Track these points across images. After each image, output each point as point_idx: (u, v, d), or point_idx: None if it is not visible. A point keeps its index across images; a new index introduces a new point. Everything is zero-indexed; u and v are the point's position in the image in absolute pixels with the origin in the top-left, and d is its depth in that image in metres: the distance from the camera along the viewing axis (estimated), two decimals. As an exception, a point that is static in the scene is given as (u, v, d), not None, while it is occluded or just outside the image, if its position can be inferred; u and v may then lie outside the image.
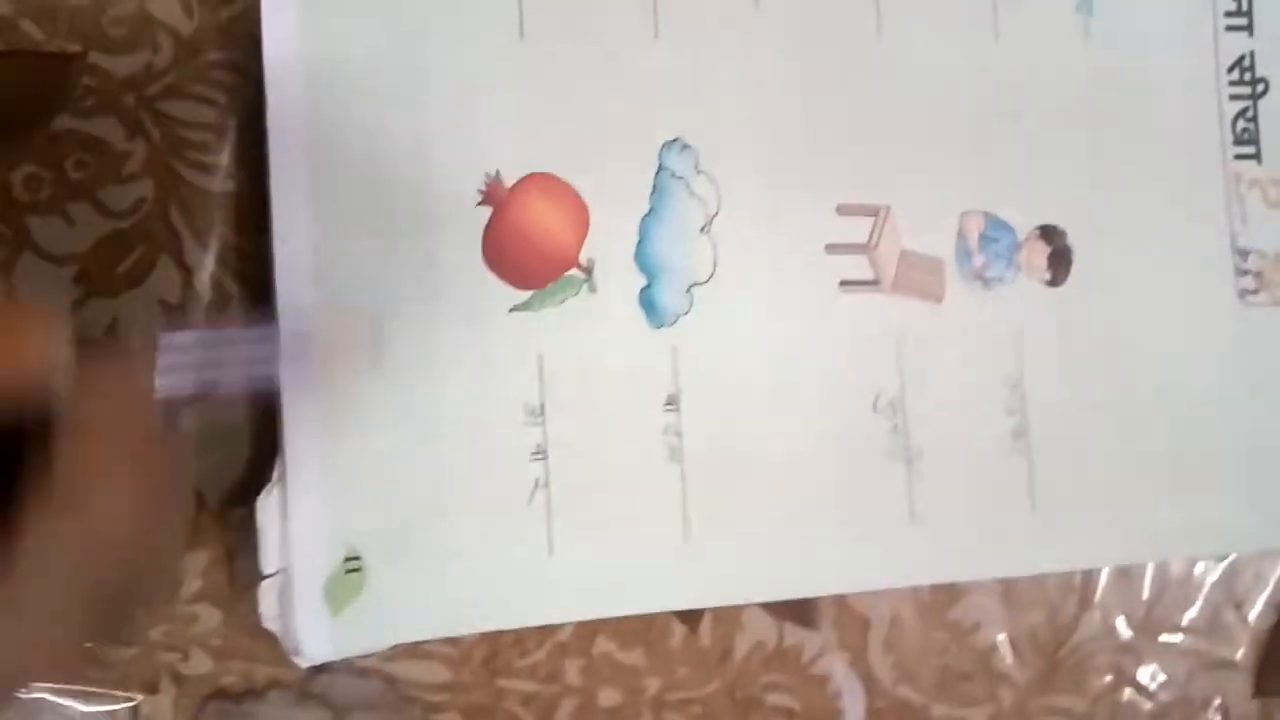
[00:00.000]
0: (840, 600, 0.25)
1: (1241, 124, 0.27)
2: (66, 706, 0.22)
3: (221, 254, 0.23)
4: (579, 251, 0.23)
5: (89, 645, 0.15)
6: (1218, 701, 0.28)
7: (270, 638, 0.22)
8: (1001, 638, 0.26)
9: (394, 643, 0.22)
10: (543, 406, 0.23)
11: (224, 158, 0.23)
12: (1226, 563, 0.28)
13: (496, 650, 0.23)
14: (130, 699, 0.22)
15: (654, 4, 0.24)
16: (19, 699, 0.20)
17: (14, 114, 0.22)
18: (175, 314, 0.22)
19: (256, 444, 0.22)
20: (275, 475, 0.22)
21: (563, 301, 0.23)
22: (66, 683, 0.20)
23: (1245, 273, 0.27)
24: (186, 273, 0.22)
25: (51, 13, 0.22)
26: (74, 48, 0.22)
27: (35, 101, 0.22)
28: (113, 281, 0.22)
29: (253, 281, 0.23)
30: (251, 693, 0.23)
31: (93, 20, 0.22)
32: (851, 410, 0.24)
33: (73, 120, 0.22)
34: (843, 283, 0.25)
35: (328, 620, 0.22)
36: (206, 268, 0.22)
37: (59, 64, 0.22)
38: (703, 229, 0.24)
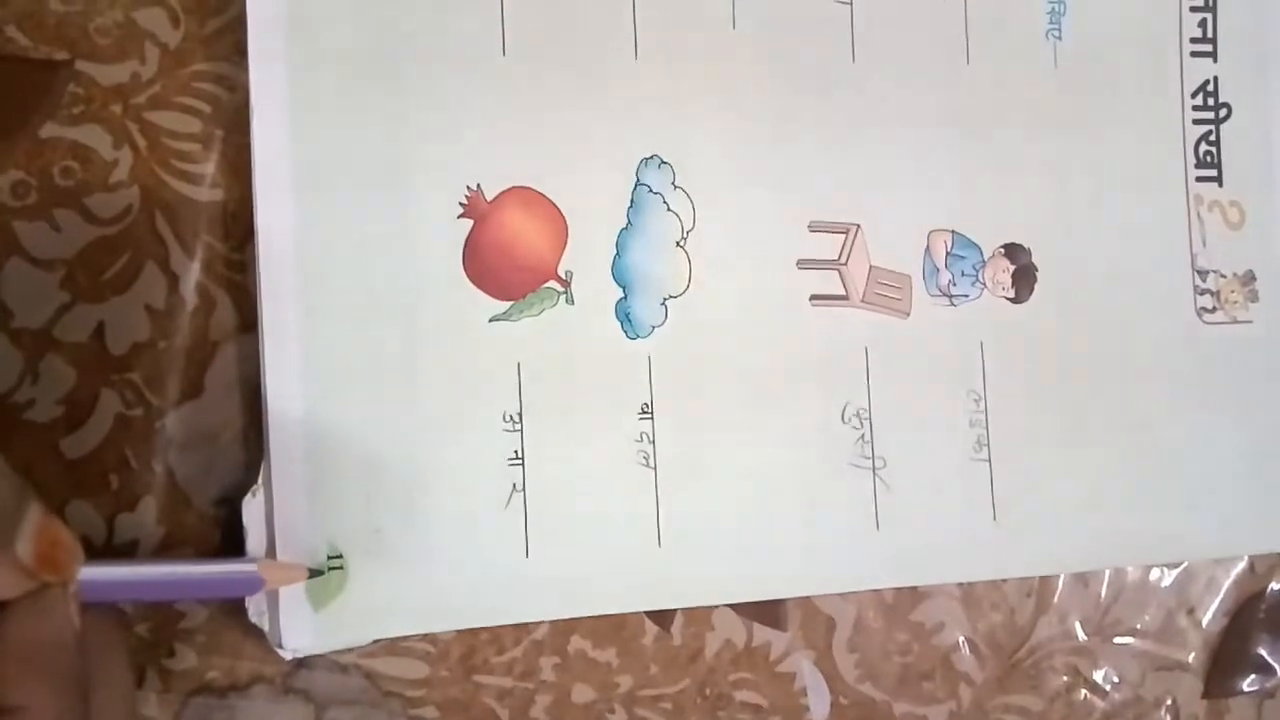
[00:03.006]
0: (807, 602, 0.26)
1: (1204, 147, 0.28)
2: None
3: (207, 262, 0.23)
4: (558, 264, 0.24)
5: None
6: (1169, 702, 0.29)
7: (254, 634, 0.22)
8: (961, 639, 0.27)
9: (374, 638, 0.23)
10: (521, 413, 0.24)
11: (210, 167, 0.23)
12: (1180, 570, 0.29)
13: (474, 647, 0.24)
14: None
15: (634, 25, 0.24)
16: None
17: (1, 120, 0.22)
18: (161, 320, 0.23)
19: (243, 446, 0.23)
20: (260, 477, 0.22)
21: (541, 312, 0.24)
22: None
23: (1204, 292, 0.28)
24: (172, 279, 0.23)
25: (38, 20, 0.22)
26: (61, 55, 0.22)
27: (22, 108, 0.22)
28: (99, 288, 0.22)
29: (238, 288, 0.23)
30: (235, 688, 0.23)
31: (80, 28, 0.22)
32: (820, 420, 0.25)
33: (60, 128, 0.22)
34: (813, 297, 0.26)
35: (310, 615, 0.22)
36: (192, 275, 0.23)
37: (46, 71, 0.22)
38: (678, 243, 0.25)
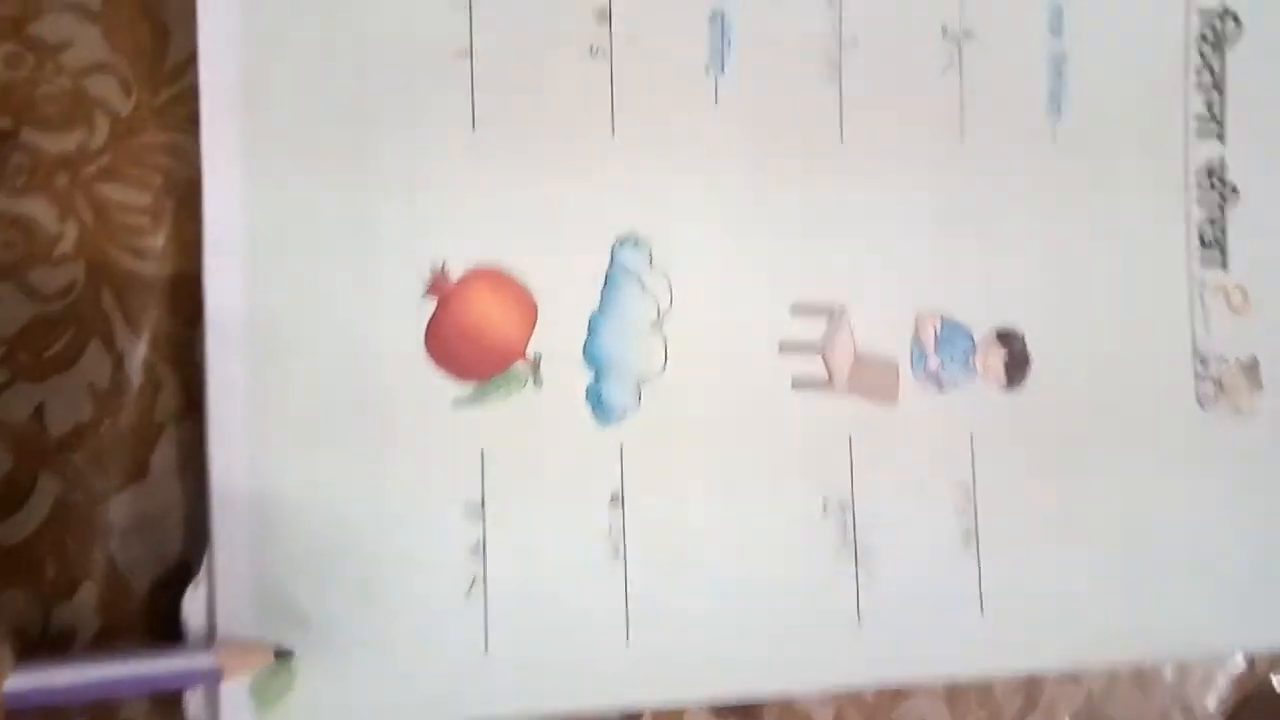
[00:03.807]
0: (784, 699, 0.25)
1: (1209, 229, 0.27)
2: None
3: (155, 339, 0.22)
4: (525, 346, 0.23)
5: None
6: (1163, 800, 0.28)
7: (195, 733, 0.21)
8: (946, 736, 0.26)
9: (324, 736, 0.22)
10: (483, 502, 0.22)
11: (160, 240, 0.22)
12: (1175, 665, 0.28)
13: (431, 742, 0.23)
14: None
15: (611, 99, 0.23)
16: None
17: (-55, 185, 0.21)
18: (105, 399, 0.22)
19: (187, 532, 0.22)
20: (203, 568, 0.21)
21: (507, 396, 0.23)
22: None
23: (1206, 379, 0.27)
24: (118, 357, 0.22)
25: (-15, 84, 0.21)
26: (5, 124, 0.21)
27: (-34, 175, 0.21)
28: (40, 366, 0.21)
29: (187, 367, 0.22)
30: (175, 787, 0.22)
31: (26, 97, 0.21)
32: (800, 511, 0.24)
33: (3, 199, 0.21)
34: (795, 382, 0.24)
35: (254, 717, 0.21)
36: (139, 353, 0.22)
37: (-8, 138, 0.21)
38: (654, 325, 0.23)
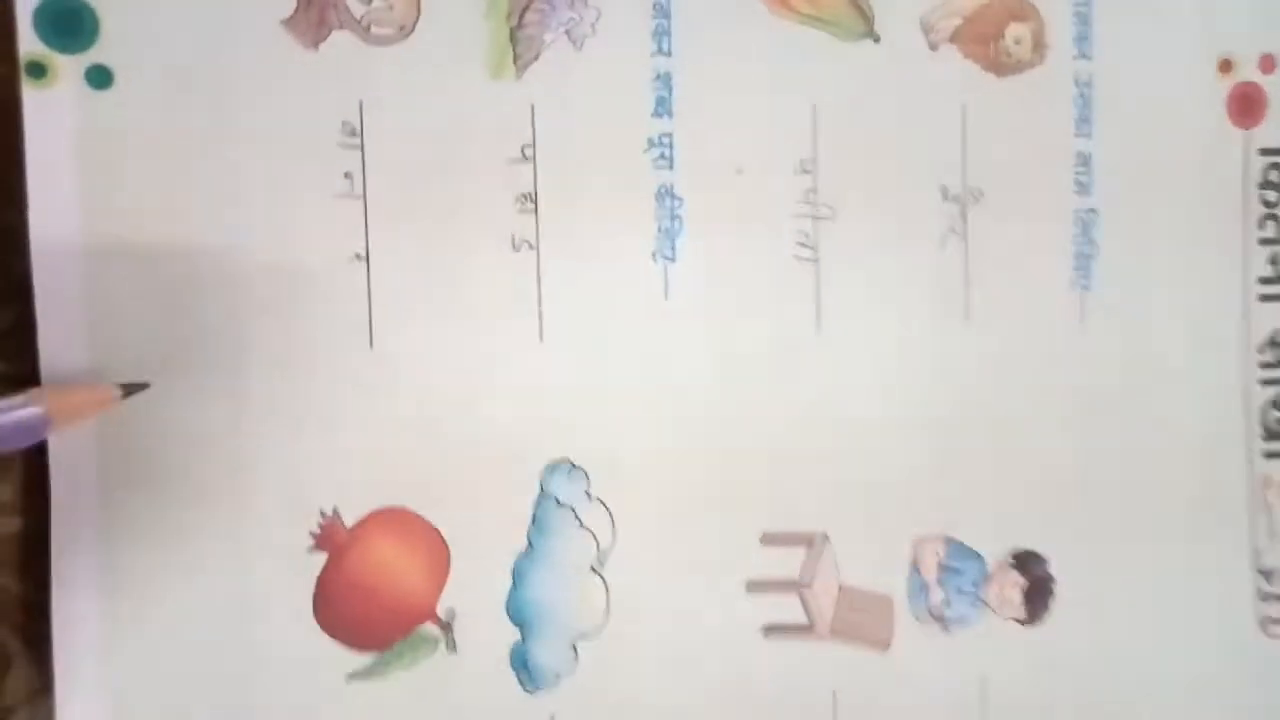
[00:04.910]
0: None
1: (1275, 414, 0.22)
2: None
3: (2, 607, 0.19)
4: (436, 602, 0.19)
5: None
6: None
7: None
8: None
9: None
10: (387, 793, 0.19)
11: (7, 491, 0.19)
12: None
13: None
14: None
15: (538, 298, 0.19)
16: None
17: None
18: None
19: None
20: None
21: (414, 664, 0.19)
22: None
23: (1270, 598, 0.22)
24: (-42, 629, 0.19)
25: None
26: None
27: None
28: None
29: (36, 640, 0.18)
30: None
31: None
32: (774, 781, 0.21)
33: None
34: (767, 628, 0.20)
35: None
36: (-18, 624, 0.19)
37: None
38: (593, 568, 0.20)
